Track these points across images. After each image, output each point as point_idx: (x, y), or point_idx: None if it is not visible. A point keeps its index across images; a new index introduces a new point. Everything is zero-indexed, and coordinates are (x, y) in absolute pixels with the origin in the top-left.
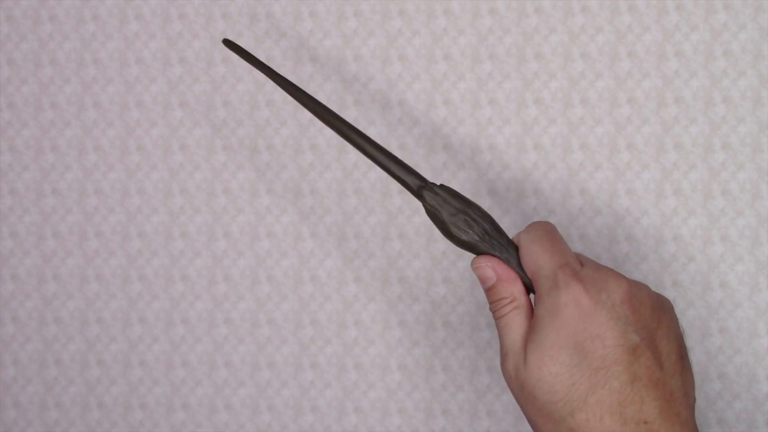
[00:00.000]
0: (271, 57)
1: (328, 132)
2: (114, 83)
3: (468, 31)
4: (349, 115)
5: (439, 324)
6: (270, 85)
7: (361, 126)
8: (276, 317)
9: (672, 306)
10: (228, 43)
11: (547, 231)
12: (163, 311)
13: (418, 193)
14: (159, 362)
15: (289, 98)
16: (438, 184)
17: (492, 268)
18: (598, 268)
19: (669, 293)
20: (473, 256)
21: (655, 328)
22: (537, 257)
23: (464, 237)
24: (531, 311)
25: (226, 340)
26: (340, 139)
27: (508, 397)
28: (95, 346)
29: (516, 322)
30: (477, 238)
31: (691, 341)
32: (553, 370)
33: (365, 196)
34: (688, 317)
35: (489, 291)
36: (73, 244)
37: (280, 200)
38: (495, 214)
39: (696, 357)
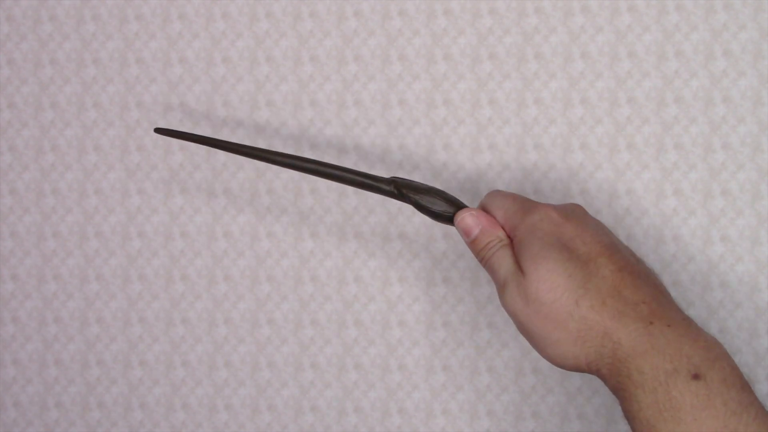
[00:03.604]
0: (271, 57)
1: (328, 132)
2: (114, 83)
3: (468, 31)
4: (350, 115)
5: (439, 324)
6: (270, 85)
7: (360, 126)
8: (276, 317)
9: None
10: (160, 131)
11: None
12: (163, 311)
13: (398, 194)
14: (159, 362)
15: (289, 98)
16: (390, 177)
17: (476, 216)
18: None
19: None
20: (467, 252)
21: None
22: (503, 201)
23: (441, 209)
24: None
25: (226, 340)
26: (340, 139)
27: (508, 397)
28: (95, 346)
29: (507, 255)
30: (452, 208)
31: None
32: (549, 266)
33: (365, 196)
34: None
35: (478, 237)
36: (73, 244)
37: (279, 200)
38: None
39: None
